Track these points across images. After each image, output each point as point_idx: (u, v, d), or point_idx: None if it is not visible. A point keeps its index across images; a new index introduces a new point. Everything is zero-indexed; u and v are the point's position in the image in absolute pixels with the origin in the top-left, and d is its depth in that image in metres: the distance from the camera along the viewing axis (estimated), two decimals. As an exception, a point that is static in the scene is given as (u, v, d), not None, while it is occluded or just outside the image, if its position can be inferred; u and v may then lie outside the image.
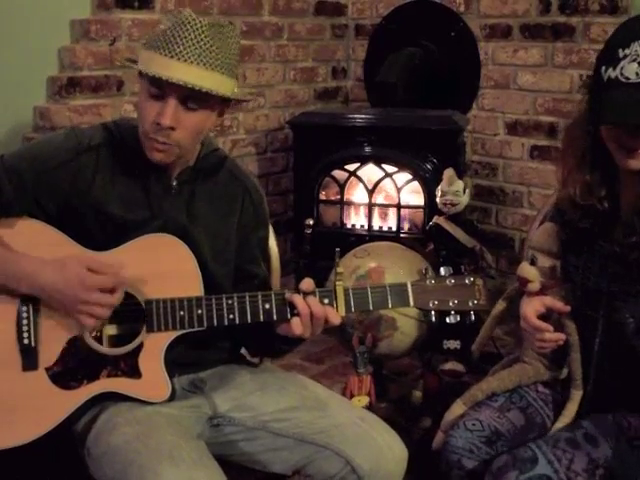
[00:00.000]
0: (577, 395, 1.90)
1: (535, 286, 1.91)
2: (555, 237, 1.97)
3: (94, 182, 1.78)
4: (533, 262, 1.96)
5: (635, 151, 1.67)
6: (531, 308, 1.88)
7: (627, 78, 1.63)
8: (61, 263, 1.67)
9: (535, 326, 1.86)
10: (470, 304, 1.78)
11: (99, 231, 1.77)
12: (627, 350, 1.80)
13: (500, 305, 2.08)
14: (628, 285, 1.78)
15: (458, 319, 1.80)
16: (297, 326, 1.72)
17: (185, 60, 1.66)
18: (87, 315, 1.66)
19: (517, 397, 1.96)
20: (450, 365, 3.00)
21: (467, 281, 1.78)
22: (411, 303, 1.77)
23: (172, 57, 1.66)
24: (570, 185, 1.85)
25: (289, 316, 1.73)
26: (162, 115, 1.68)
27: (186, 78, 1.65)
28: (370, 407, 2.75)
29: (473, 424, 1.88)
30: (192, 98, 1.70)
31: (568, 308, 1.87)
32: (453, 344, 3.13)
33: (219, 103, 1.78)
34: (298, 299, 1.72)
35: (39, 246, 1.74)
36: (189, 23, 1.67)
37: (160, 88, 1.68)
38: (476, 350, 2.18)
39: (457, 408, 1.97)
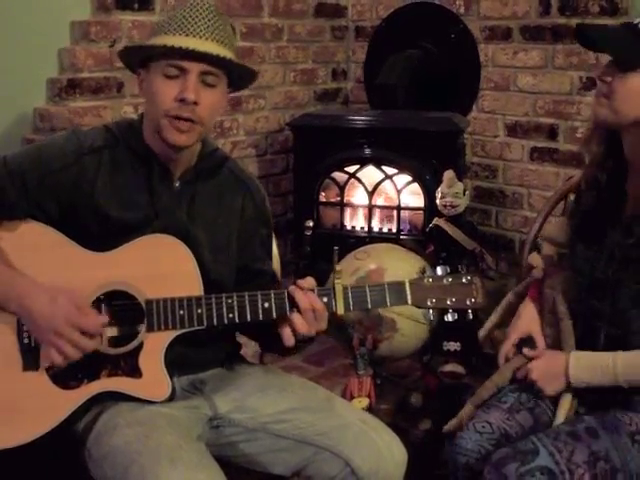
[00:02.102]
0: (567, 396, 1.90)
1: (538, 272, 1.96)
2: (563, 229, 2.04)
3: (96, 185, 1.78)
4: (539, 250, 2.02)
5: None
6: (518, 331, 2.02)
7: None
8: (53, 294, 1.67)
9: (503, 351, 2.00)
10: (467, 302, 1.79)
11: (100, 233, 1.77)
12: (631, 340, 1.82)
13: (509, 298, 2.11)
14: (632, 274, 1.80)
15: (456, 317, 1.82)
16: (301, 325, 1.72)
17: (201, 37, 1.71)
18: (57, 349, 1.66)
19: (525, 397, 1.96)
20: (450, 367, 3.00)
21: (464, 280, 1.79)
22: (409, 301, 1.78)
23: (187, 35, 1.71)
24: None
25: (288, 313, 1.73)
26: (186, 90, 1.71)
27: (207, 50, 1.69)
28: (370, 409, 2.74)
29: (482, 426, 1.88)
30: (209, 74, 1.73)
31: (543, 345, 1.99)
32: (453, 346, 3.13)
33: (227, 87, 1.82)
34: (299, 293, 1.72)
35: (40, 248, 1.75)
36: (198, 4, 1.73)
37: (179, 67, 1.71)
38: (483, 336, 2.19)
39: (468, 412, 1.96)
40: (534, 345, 1.99)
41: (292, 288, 1.74)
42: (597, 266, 1.87)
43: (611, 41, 1.79)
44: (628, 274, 1.81)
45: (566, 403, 1.89)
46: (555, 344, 1.97)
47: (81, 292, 1.72)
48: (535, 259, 2.03)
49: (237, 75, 1.83)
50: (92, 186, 1.78)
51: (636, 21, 1.78)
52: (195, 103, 1.71)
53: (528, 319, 2.01)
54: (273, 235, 2.12)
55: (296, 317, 1.72)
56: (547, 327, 1.99)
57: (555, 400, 1.95)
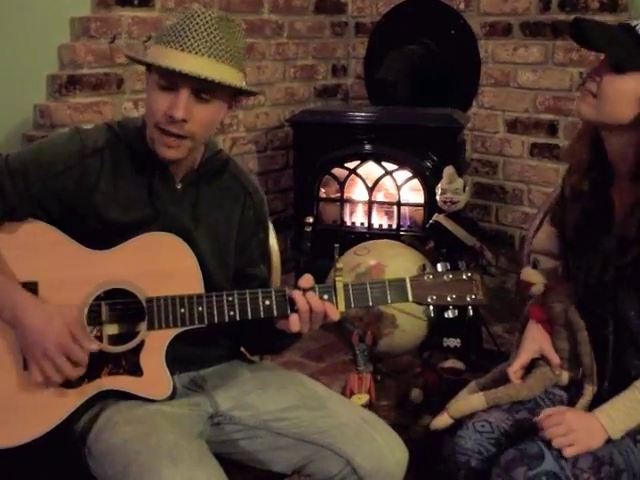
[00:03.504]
0: (589, 390, 1.89)
1: (539, 288, 1.94)
2: (555, 239, 2.01)
3: (98, 186, 1.78)
4: (535, 265, 1.98)
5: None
6: (528, 351, 1.97)
7: None
8: (49, 312, 1.67)
9: (512, 371, 1.95)
10: (468, 299, 1.79)
11: (101, 233, 1.76)
12: (635, 343, 1.82)
13: (517, 338, 2.10)
14: (629, 286, 1.80)
15: (456, 314, 1.82)
16: (295, 323, 1.72)
17: (196, 52, 1.67)
18: (40, 370, 1.66)
19: None
20: (450, 363, 3.00)
21: (465, 276, 1.80)
22: (410, 298, 1.78)
23: (183, 50, 1.67)
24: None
25: (289, 312, 1.73)
26: (175, 107, 1.68)
27: (197, 70, 1.65)
28: (370, 405, 2.75)
29: (482, 425, 1.88)
30: (204, 90, 1.70)
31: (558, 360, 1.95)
32: (453, 342, 3.14)
33: (229, 96, 1.78)
34: (298, 295, 1.72)
35: (41, 246, 1.75)
36: (199, 16, 1.68)
37: (171, 80, 1.69)
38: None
39: (478, 403, 1.94)
40: (546, 363, 1.97)
41: (290, 291, 1.74)
42: (591, 273, 1.87)
43: (609, 41, 1.78)
44: (625, 286, 1.80)
45: (589, 394, 1.88)
46: (572, 357, 1.95)
47: (83, 292, 1.72)
48: (532, 276, 1.99)
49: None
50: (94, 187, 1.77)
51: (634, 23, 1.77)
52: (184, 120, 1.69)
53: (537, 338, 1.98)
54: (271, 233, 2.12)
55: (292, 317, 1.73)
56: (560, 341, 1.97)
57: (562, 401, 1.96)
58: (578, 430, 1.73)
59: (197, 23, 1.68)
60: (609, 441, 1.75)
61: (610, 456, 1.73)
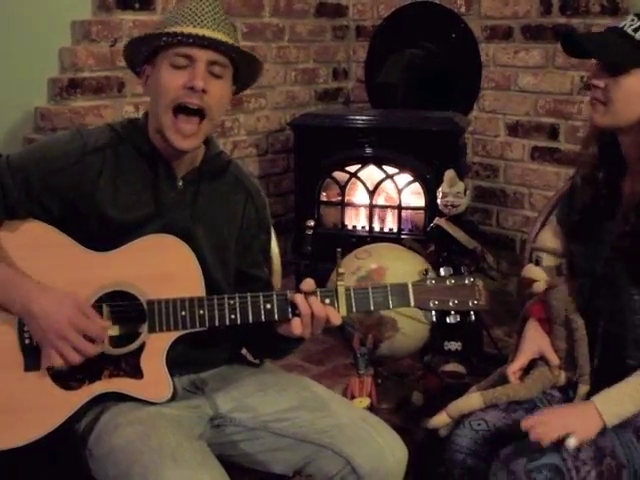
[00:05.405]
0: (584, 390, 1.90)
1: (541, 285, 1.94)
2: (559, 237, 2.02)
3: (98, 185, 1.78)
4: (538, 263, 1.98)
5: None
6: (528, 352, 1.96)
7: None
8: (58, 297, 1.67)
9: (511, 371, 1.94)
10: (470, 304, 1.78)
11: (102, 233, 1.76)
12: (630, 332, 1.82)
13: (515, 341, 2.10)
14: (628, 263, 1.80)
15: (458, 319, 1.81)
16: (297, 326, 1.72)
17: (208, 27, 1.73)
18: (59, 353, 1.66)
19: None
20: (451, 366, 3.00)
21: (467, 281, 1.79)
22: (412, 303, 1.77)
23: (195, 26, 1.73)
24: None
25: (290, 316, 1.73)
26: (195, 78, 1.72)
27: (217, 37, 1.72)
28: (371, 408, 2.74)
29: (479, 424, 1.89)
30: (217, 64, 1.75)
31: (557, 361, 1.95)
32: (454, 345, 3.14)
33: (231, 82, 1.83)
34: (300, 299, 1.72)
35: (42, 248, 1.75)
36: None
37: (187, 56, 1.73)
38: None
39: (475, 402, 1.94)
40: (546, 363, 1.97)
41: (292, 294, 1.74)
42: (597, 262, 1.87)
43: (601, 46, 1.79)
44: (625, 264, 1.81)
45: (583, 394, 1.89)
46: (568, 357, 1.95)
47: (83, 293, 1.71)
48: (535, 272, 1.99)
49: (242, 69, 1.83)
50: (94, 187, 1.77)
51: (621, 24, 1.78)
52: (204, 91, 1.72)
53: (536, 338, 1.98)
54: (272, 236, 2.12)
55: (294, 320, 1.73)
56: (558, 341, 1.97)
57: (559, 402, 1.96)
58: (570, 417, 1.73)
59: (204, 4, 1.76)
60: (606, 429, 1.74)
61: (612, 448, 1.73)
